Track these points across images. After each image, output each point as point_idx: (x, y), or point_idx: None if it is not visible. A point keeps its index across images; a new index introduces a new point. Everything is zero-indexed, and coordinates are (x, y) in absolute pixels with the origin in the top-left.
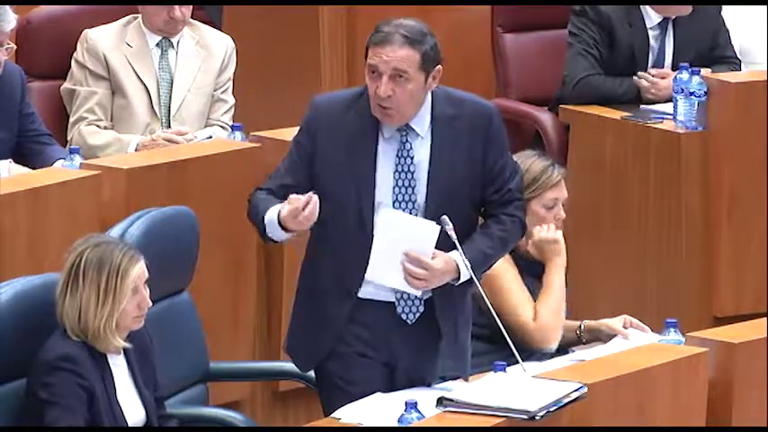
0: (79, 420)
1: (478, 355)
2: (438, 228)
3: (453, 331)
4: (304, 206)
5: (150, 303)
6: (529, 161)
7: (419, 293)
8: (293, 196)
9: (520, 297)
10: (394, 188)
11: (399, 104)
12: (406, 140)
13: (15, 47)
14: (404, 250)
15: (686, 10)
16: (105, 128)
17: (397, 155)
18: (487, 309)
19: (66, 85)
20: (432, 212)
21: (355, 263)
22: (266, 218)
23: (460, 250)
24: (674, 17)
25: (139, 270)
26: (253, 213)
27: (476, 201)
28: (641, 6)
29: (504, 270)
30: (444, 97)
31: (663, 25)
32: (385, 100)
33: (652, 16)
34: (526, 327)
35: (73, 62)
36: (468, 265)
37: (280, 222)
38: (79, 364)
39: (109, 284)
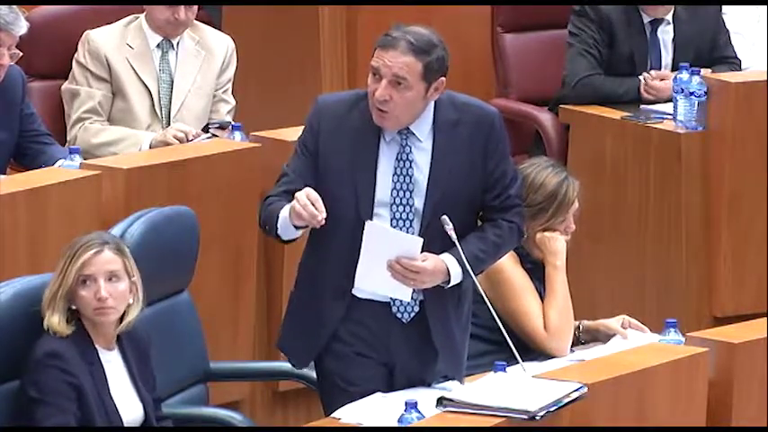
0: (68, 417)
1: (479, 355)
2: (420, 241)
3: (446, 334)
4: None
5: (105, 295)
6: (543, 174)
7: (408, 298)
8: (297, 194)
9: (532, 305)
10: (392, 191)
11: (395, 109)
12: (406, 144)
13: (21, 54)
14: (389, 260)
15: (663, 11)
16: None
17: (397, 158)
18: (490, 309)
19: (67, 85)
20: (429, 216)
21: (350, 263)
22: (279, 222)
23: (460, 251)
24: (667, 17)
25: (93, 258)
26: (265, 220)
27: (474, 206)
28: (639, 6)
29: (515, 274)
30: (448, 102)
31: (654, 25)
32: (382, 103)
33: (645, 17)
34: (540, 336)
35: (74, 63)
36: (467, 267)
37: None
38: (65, 360)
39: (64, 265)
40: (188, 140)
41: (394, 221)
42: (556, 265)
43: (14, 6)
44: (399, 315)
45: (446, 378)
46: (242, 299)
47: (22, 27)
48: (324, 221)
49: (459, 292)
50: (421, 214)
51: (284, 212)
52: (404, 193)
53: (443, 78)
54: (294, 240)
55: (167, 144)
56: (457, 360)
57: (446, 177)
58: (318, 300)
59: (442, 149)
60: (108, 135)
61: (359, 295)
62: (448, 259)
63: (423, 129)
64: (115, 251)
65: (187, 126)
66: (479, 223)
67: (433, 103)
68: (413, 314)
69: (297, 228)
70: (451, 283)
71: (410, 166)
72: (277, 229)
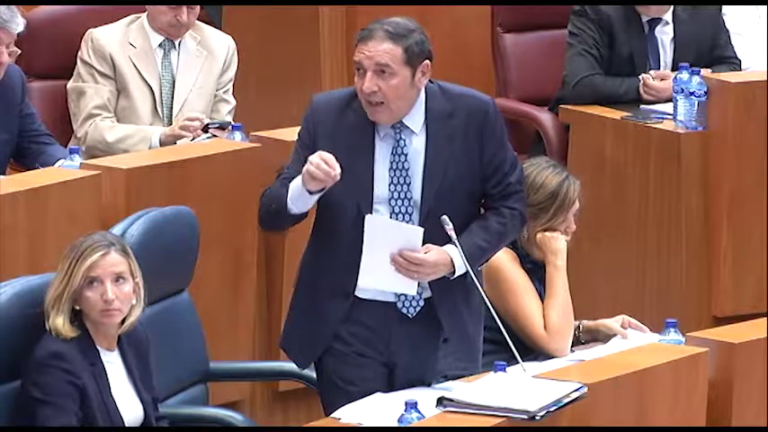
0: (71, 417)
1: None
2: (421, 230)
3: (458, 326)
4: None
5: (112, 297)
6: (543, 174)
7: (414, 293)
8: (310, 157)
9: (532, 305)
10: (390, 185)
11: (386, 99)
12: (401, 137)
13: (20, 51)
14: (392, 252)
15: (656, 11)
16: None
17: (393, 152)
18: (490, 309)
19: (73, 83)
20: (427, 208)
21: (352, 263)
22: (290, 193)
23: (459, 248)
24: (666, 17)
25: (101, 260)
26: (270, 201)
27: (475, 195)
28: (638, 6)
29: (515, 274)
30: (439, 92)
31: (652, 25)
32: (371, 95)
33: (643, 16)
34: (540, 336)
35: (78, 61)
36: (465, 260)
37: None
38: (68, 360)
39: (70, 266)
40: (199, 127)
41: (393, 216)
42: (556, 264)
43: (12, 6)
44: (405, 310)
45: (446, 378)
46: (242, 299)
47: (19, 24)
48: (339, 177)
49: (466, 283)
50: (419, 206)
51: (295, 182)
52: (401, 186)
53: (428, 62)
54: (303, 217)
55: (177, 137)
56: (472, 351)
57: (441, 168)
58: (320, 300)
59: (436, 140)
60: (118, 132)
61: (362, 296)
62: (451, 250)
63: (416, 121)
64: (121, 253)
65: (195, 114)
66: (482, 211)
67: (424, 95)
68: (418, 308)
69: (311, 193)
70: (456, 274)
71: (405, 160)
72: (286, 204)
